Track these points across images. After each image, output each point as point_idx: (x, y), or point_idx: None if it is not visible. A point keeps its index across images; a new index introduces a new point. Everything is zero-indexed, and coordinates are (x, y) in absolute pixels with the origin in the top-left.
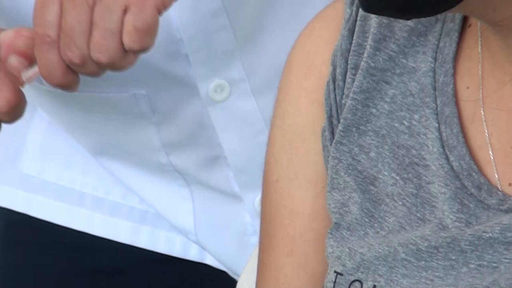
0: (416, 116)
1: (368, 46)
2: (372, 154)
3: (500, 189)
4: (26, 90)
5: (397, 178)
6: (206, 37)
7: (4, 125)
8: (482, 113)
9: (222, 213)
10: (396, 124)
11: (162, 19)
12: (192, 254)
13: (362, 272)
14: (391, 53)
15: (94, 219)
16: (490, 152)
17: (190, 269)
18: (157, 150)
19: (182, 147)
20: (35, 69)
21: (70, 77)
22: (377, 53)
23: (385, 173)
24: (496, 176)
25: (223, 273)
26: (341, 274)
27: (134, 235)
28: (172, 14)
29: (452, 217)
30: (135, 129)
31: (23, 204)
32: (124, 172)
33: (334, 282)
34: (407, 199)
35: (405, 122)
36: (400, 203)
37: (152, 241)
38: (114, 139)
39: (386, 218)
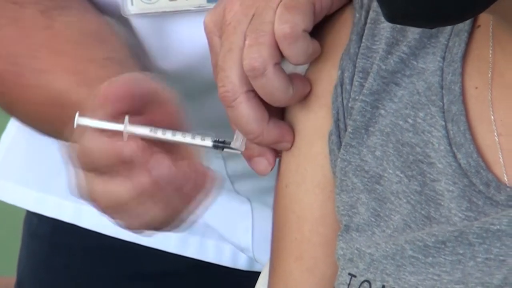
0: (421, 114)
1: (380, 50)
2: (377, 153)
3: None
4: None
5: (402, 175)
6: None
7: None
8: (491, 114)
9: None
10: (401, 122)
11: None
12: (241, 263)
13: (371, 273)
14: (402, 55)
15: None
16: (499, 152)
17: (238, 276)
18: (222, 179)
19: (248, 177)
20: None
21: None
22: (389, 56)
23: (390, 171)
24: (505, 176)
25: None
26: (355, 276)
27: (183, 245)
28: None
29: (460, 215)
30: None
31: (70, 215)
32: None
33: (348, 284)
34: (412, 196)
35: (409, 120)
36: (405, 200)
37: (201, 251)
38: None
39: (392, 216)
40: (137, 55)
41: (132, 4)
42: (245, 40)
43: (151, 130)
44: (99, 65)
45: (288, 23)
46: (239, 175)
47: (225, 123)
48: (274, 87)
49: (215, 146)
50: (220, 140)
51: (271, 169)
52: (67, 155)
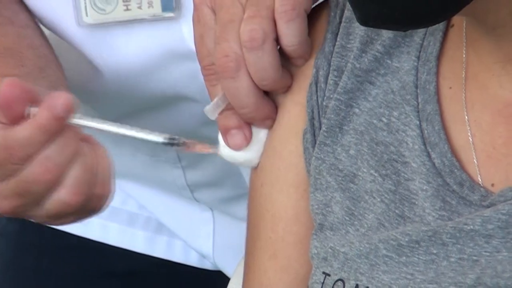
0: (395, 113)
1: (354, 48)
2: (351, 152)
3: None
4: None
5: (376, 174)
6: None
7: None
8: (465, 114)
9: (242, 238)
10: (375, 121)
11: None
12: (208, 263)
13: (345, 271)
14: (377, 53)
15: (110, 229)
16: (473, 152)
17: (206, 275)
18: (182, 188)
19: (207, 187)
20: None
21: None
22: (363, 54)
23: (364, 170)
24: (479, 176)
25: None
26: (329, 275)
27: (150, 245)
28: None
29: (434, 214)
30: (161, 170)
31: None
32: (144, 194)
33: (322, 283)
34: (386, 195)
35: (383, 119)
36: (379, 199)
37: (168, 251)
38: (138, 172)
39: (366, 215)
40: (55, 66)
41: (86, 15)
42: (244, 12)
43: (99, 122)
44: None
45: (290, 1)
46: (198, 185)
47: (186, 134)
48: (268, 62)
49: (164, 143)
50: (172, 137)
51: (246, 145)
52: None
